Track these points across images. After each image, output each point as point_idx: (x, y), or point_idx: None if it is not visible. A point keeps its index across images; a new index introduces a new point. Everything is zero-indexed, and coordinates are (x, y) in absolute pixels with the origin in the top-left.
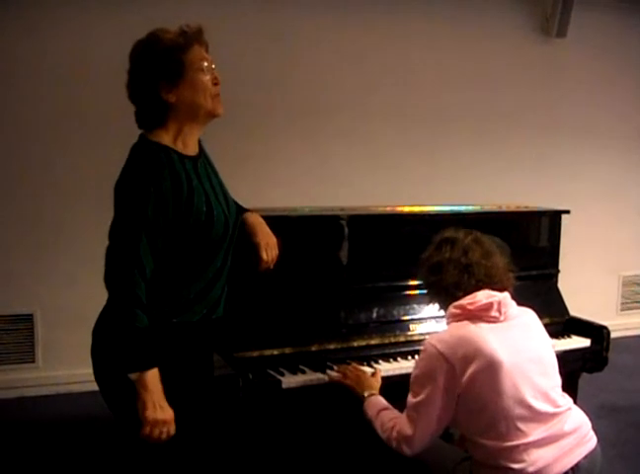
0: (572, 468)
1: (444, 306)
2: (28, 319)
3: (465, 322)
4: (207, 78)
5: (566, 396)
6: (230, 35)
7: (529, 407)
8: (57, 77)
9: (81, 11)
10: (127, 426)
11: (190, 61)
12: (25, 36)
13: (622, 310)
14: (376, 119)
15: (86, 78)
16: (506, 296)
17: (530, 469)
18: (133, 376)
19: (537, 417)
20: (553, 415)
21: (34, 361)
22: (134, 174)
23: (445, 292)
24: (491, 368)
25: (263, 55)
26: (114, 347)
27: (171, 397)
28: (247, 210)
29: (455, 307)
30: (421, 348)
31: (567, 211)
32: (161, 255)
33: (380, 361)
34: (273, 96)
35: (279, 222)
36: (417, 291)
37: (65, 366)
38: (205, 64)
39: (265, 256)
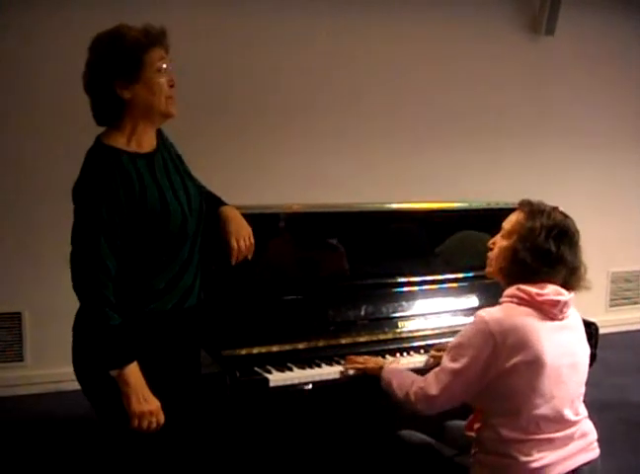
0: (573, 471)
1: (506, 283)
2: (16, 318)
3: (526, 309)
4: (164, 80)
5: (583, 405)
6: (225, 34)
7: (555, 410)
8: (56, 79)
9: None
10: (109, 421)
11: (149, 61)
12: (23, 37)
13: (611, 306)
14: (368, 119)
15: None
16: (571, 298)
17: (534, 465)
18: (114, 373)
19: (558, 420)
20: (572, 422)
21: (22, 360)
22: (86, 179)
23: (528, 278)
24: (534, 365)
25: (258, 55)
26: (91, 347)
27: (151, 387)
28: (224, 204)
29: (521, 290)
30: (409, 345)
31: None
32: (124, 251)
33: None
34: (266, 95)
35: (268, 220)
36: (405, 288)
37: (54, 365)
38: (164, 66)
39: (234, 244)
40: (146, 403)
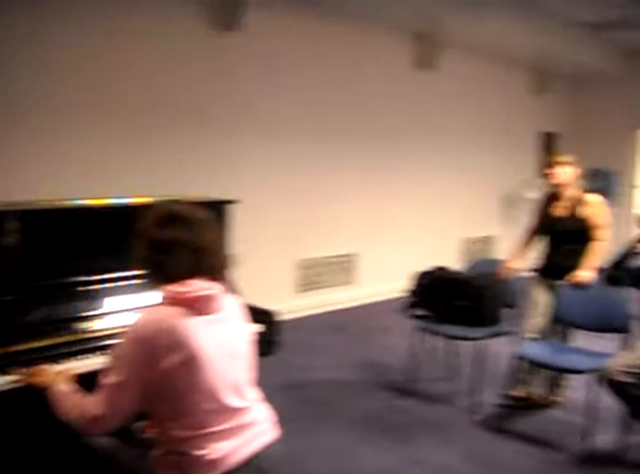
0: (249, 458)
1: (156, 285)
2: None
3: (176, 309)
4: None
5: (254, 391)
6: None
7: (220, 402)
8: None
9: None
10: None
11: None
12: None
13: (298, 292)
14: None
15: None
16: (221, 289)
17: (208, 458)
18: None
19: (226, 411)
20: (241, 409)
21: None
22: None
23: (164, 273)
24: (191, 362)
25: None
26: None
27: None
28: None
29: (166, 291)
30: (92, 346)
31: (232, 201)
32: None
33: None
34: None
35: None
36: (90, 287)
37: None
38: None
39: None
40: None
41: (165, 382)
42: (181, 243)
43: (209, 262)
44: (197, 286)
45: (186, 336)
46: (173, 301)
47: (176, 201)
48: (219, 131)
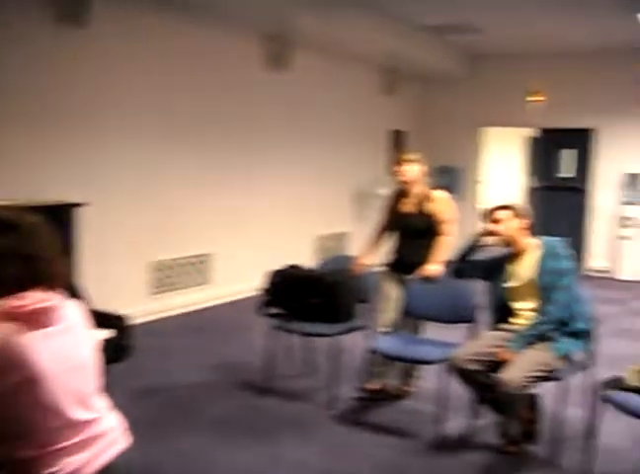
0: (102, 469)
1: None
2: None
3: (11, 324)
4: None
5: (103, 400)
6: None
7: (67, 417)
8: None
9: None
10: None
11: None
12: None
13: (152, 294)
14: None
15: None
16: (60, 299)
17: None
18: None
19: (74, 425)
20: (89, 421)
21: None
22: None
23: None
24: (31, 380)
25: None
26: None
27: None
28: None
29: (2, 306)
30: None
31: (79, 204)
32: None
33: None
34: None
35: None
36: None
37: None
38: None
39: None
40: None
41: (5, 403)
42: (9, 252)
43: (44, 270)
44: (33, 299)
45: (24, 353)
46: (8, 316)
47: (4, 207)
48: (68, 133)
